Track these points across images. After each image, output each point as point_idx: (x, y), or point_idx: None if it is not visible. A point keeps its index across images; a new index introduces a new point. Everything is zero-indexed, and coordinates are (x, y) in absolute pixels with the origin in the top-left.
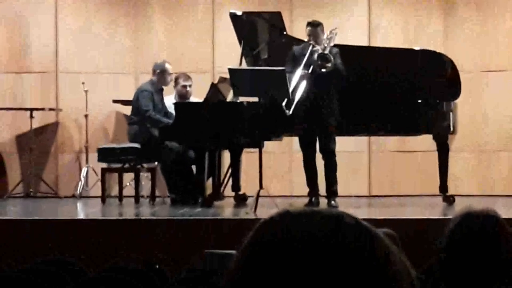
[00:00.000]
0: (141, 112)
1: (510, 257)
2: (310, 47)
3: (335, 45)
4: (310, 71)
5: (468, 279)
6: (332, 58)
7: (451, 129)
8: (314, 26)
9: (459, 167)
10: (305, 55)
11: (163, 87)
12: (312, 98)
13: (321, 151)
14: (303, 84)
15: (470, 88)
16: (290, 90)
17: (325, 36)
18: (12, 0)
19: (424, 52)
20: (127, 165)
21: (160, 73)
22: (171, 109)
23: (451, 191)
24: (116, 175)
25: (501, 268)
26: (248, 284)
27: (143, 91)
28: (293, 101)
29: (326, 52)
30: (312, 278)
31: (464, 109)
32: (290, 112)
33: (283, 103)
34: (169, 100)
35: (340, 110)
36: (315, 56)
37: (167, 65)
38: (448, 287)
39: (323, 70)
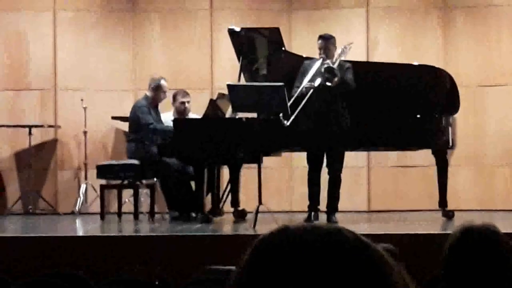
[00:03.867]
0: (143, 127)
1: (510, 271)
2: (321, 60)
3: (347, 61)
4: (317, 84)
5: None
6: (339, 73)
7: (450, 143)
8: (325, 39)
9: (460, 182)
10: (313, 68)
11: (158, 103)
12: (320, 113)
13: (327, 166)
14: (307, 96)
15: (470, 103)
16: (292, 101)
17: (338, 51)
18: (11, 17)
19: (423, 67)
20: (126, 182)
21: (155, 89)
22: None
23: (451, 205)
24: (115, 191)
25: (502, 283)
26: None
27: (140, 106)
28: (293, 113)
29: (335, 66)
30: None
31: (464, 123)
32: (288, 123)
33: (280, 114)
34: (168, 117)
35: (340, 126)
36: (322, 69)
37: (162, 82)
38: None
39: (328, 84)
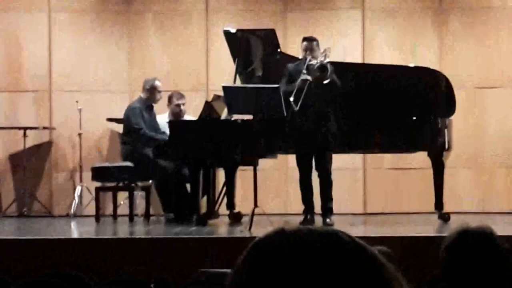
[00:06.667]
0: (133, 130)
1: (506, 273)
2: (307, 61)
3: (330, 63)
4: (308, 83)
5: None
6: (329, 67)
7: (446, 145)
8: (310, 41)
9: (459, 183)
10: (300, 71)
11: (153, 104)
12: (320, 113)
13: (316, 169)
14: (305, 89)
15: (469, 104)
16: (294, 93)
17: (322, 54)
18: (5, 18)
19: (418, 69)
20: (121, 184)
21: (150, 89)
22: (165, 128)
23: (451, 207)
24: (110, 193)
25: (498, 284)
26: None
27: (132, 108)
28: (300, 99)
29: (324, 62)
30: None
31: (463, 125)
32: (297, 108)
33: (291, 99)
34: (163, 118)
35: (336, 127)
36: (314, 67)
37: (157, 82)
38: None
39: (324, 81)
